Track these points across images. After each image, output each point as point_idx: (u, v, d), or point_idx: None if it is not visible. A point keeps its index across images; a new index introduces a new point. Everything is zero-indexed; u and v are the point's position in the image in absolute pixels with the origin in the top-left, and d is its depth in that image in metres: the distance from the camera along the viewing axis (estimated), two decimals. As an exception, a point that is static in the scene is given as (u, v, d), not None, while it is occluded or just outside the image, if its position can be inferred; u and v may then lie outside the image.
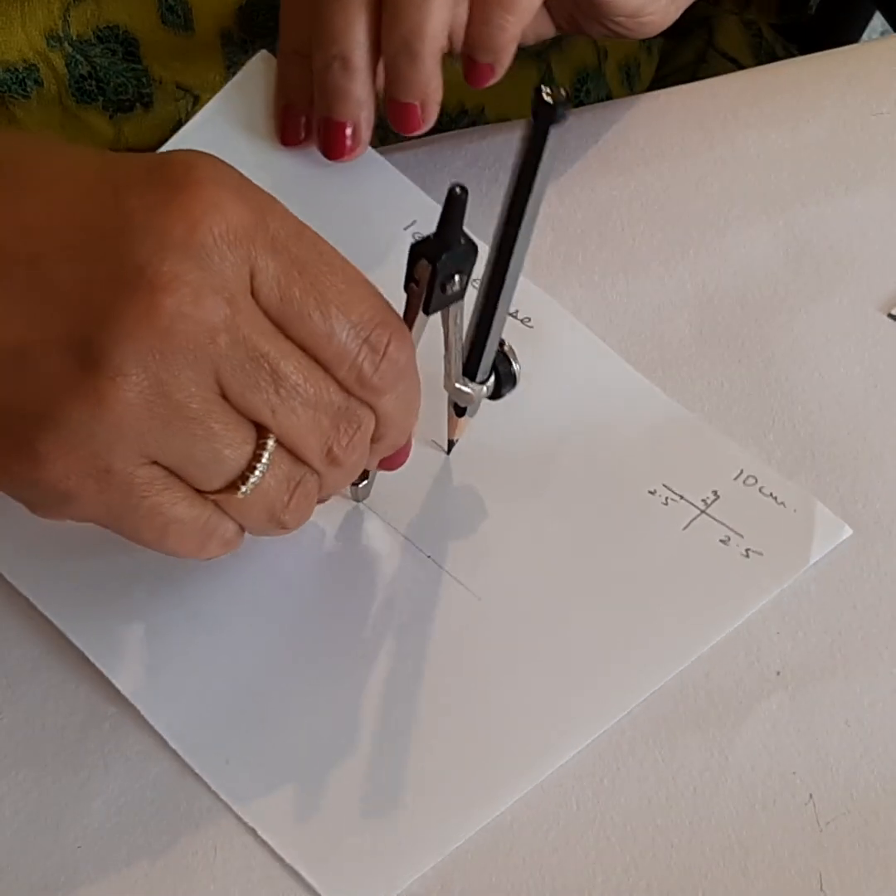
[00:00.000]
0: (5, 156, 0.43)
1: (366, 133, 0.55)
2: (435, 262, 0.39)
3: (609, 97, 0.71)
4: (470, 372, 0.48)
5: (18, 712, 0.49)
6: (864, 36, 0.92)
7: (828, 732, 0.46)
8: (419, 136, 0.63)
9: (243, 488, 0.42)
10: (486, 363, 0.48)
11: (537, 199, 0.40)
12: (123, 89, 0.63)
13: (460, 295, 0.42)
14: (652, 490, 0.53)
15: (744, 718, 0.47)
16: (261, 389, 0.42)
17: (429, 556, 0.52)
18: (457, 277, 0.41)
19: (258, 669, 0.49)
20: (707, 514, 0.52)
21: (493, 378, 0.49)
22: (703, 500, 0.53)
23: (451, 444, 0.53)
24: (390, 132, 0.68)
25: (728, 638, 0.48)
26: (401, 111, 0.54)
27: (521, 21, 0.53)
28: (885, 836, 0.44)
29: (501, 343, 0.48)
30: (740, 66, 0.70)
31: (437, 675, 0.49)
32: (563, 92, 0.37)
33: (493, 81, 0.55)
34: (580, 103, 0.70)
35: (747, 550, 0.52)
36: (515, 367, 0.49)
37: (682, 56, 0.79)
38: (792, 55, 0.75)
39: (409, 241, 0.42)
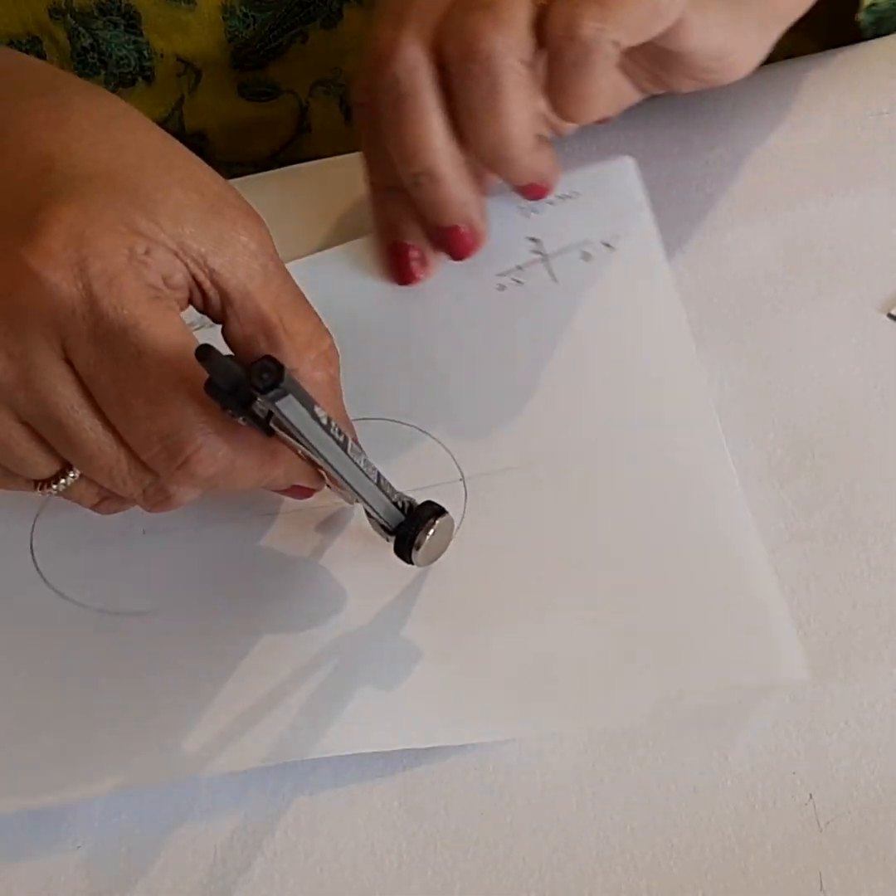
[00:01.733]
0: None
1: (481, 226, 0.54)
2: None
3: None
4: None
5: (18, 712, 0.49)
6: (865, 36, 0.92)
7: (828, 732, 0.46)
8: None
9: (50, 490, 0.44)
10: (372, 515, 0.47)
11: (318, 434, 0.42)
12: (125, 62, 0.64)
13: (261, 423, 0.42)
14: (500, 286, 0.54)
15: (744, 718, 0.47)
16: (60, 446, 0.43)
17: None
18: (232, 412, 0.42)
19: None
20: (548, 257, 0.53)
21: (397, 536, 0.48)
22: (533, 251, 0.54)
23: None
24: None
25: (728, 638, 0.48)
26: (524, 191, 0.54)
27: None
28: (885, 836, 0.44)
29: (415, 511, 0.47)
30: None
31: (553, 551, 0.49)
32: (267, 376, 0.38)
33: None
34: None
35: (604, 244, 0.53)
36: (415, 551, 0.47)
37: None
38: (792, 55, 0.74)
39: None
